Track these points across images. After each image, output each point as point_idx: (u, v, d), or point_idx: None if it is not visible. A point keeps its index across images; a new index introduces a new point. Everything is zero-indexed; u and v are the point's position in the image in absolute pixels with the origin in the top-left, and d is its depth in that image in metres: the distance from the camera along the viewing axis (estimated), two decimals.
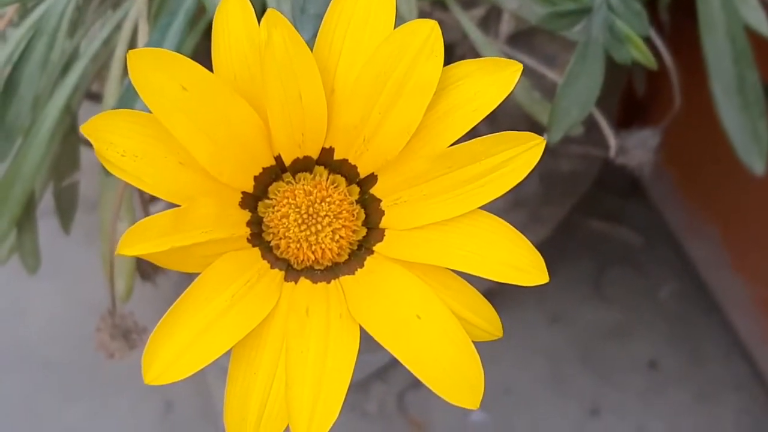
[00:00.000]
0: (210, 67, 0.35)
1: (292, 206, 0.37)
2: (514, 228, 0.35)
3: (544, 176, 0.75)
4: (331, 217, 0.37)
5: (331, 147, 0.37)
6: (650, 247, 1.00)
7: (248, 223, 0.37)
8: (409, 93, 0.35)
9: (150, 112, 0.34)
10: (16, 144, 0.60)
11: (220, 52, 0.35)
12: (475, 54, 0.63)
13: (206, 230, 0.34)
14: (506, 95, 0.35)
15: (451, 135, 0.36)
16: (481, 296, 0.36)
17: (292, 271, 0.37)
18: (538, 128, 0.48)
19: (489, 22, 0.66)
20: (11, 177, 0.60)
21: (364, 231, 0.38)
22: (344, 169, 0.38)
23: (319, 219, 0.37)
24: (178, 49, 0.53)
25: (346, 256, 0.38)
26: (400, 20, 0.35)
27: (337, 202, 0.38)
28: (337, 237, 0.38)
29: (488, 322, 0.36)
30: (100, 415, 0.93)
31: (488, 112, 0.35)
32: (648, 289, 0.98)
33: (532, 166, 0.35)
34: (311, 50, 0.35)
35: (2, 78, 0.59)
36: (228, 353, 0.34)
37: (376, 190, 0.38)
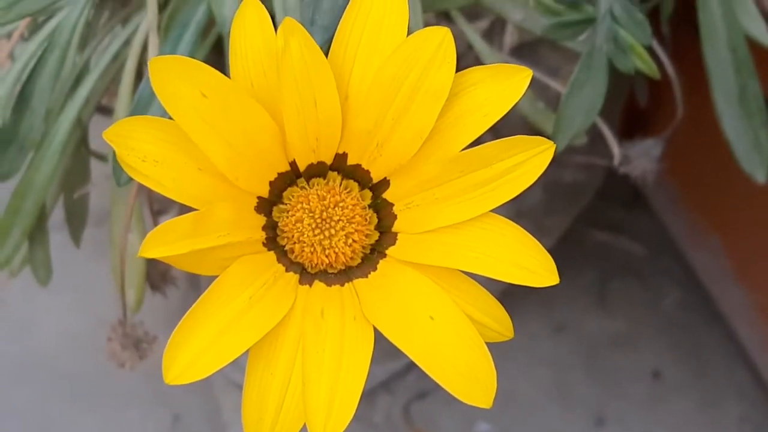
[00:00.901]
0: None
1: (306, 211, 0.38)
2: (524, 230, 0.36)
3: (547, 186, 0.76)
4: (345, 221, 0.38)
5: (344, 152, 0.38)
6: (653, 257, 1.01)
7: (264, 228, 0.38)
8: (422, 98, 0.36)
9: (169, 119, 0.35)
10: (28, 156, 0.60)
11: (238, 60, 0.36)
12: (480, 65, 0.64)
13: (224, 233, 0.35)
14: (516, 101, 0.36)
15: (463, 140, 0.36)
16: (492, 297, 0.37)
17: (306, 275, 0.38)
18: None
19: (493, 33, 0.67)
20: (24, 189, 0.60)
21: (376, 235, 0.39)
22: (357, 174, 0.39)
23: (333, 223, 0.38)
24: None
25: (359, 260, 0.39)
26: (408, 32, 0.36)
27: (350, 206, 0.38)
28: (350, 241, 0.38)
29: (499, 323, 0.37)
30: (109, 427, 0.94)
31: (499, 118, 0.36)
32: (651, 299, 0.99)
33: (542, 170, 0.36)
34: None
35: (15, 91, 0.59)
36: (239, 359, 0.35)
37: (388, 195, 0.39)
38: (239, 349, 0.34)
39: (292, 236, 0.38)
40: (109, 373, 0.93)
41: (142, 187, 0.62)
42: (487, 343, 0.35)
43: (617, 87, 0.58)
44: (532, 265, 0.36)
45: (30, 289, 0.70)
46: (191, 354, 0.34)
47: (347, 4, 0.37)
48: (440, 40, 0.35)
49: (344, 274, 0.38)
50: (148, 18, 0.61)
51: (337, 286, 0.38)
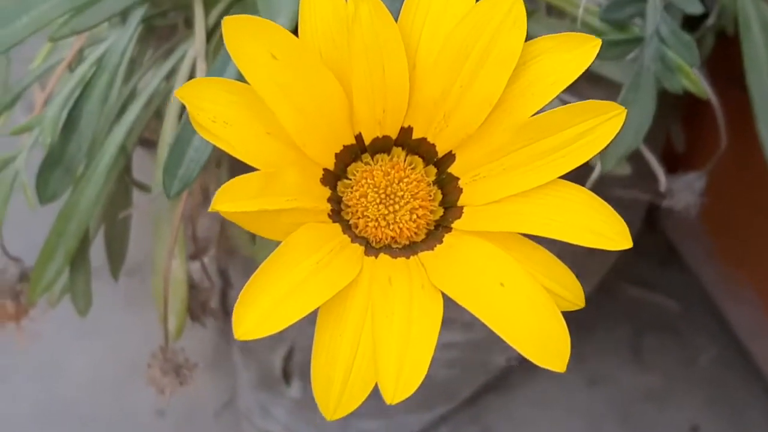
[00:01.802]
0: None
1: (371, 186, 0.38)
2: (595, 195, 0.36)
3: None
4: (409, 196, 0.38)
5: (409, 126, 0.38)
6: (688, 313, 1.00)
7: (328, 200, 0.38)
8: (492, 64, 0.36)
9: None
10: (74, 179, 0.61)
11: (307, 27, 0.36)
12: None
13: (291, 198, 0.35)
14: (584, 69, 0.36)
15: (531, 108, 0.36)
16: (564, 266, 0.36)
17: (371, 248, 0.38)
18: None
19: None
20: (69, 211, 0.60)
21: (441, 211, 0.39)
22: (422, 149, 0.39)
23: (397, 199, 0.38)
24: None
25: (423, 236, 0.38)
26: None
27: (415, 182, 0.38)
28: (414, 216, 0.38)
29: (570, 291, 0.36)
30: None
31: (566, 85, 0.36)
32: (687, 354, 0.97)
33: (613, 136, 0.36)
34: None
35: (63, 114, 0.60)
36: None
37: (453, 169, 0.38)
38: (307, 308, 0.33)
39: (357, 211, 0.38)
40: (136, 419, 0.92)
41: (185, 211, 0.62)
42: None
43: (658, 121, 0.58)
44: (605, 229, 0.35)
45: (64, 326, 0.69)
46: (261, 311, 0.33)
47: None
48: (510, 4, 0.36)
49: (409, 249, 0.38)
50: (196, 45, 0.61)
51: (403, 258, 0.37)
